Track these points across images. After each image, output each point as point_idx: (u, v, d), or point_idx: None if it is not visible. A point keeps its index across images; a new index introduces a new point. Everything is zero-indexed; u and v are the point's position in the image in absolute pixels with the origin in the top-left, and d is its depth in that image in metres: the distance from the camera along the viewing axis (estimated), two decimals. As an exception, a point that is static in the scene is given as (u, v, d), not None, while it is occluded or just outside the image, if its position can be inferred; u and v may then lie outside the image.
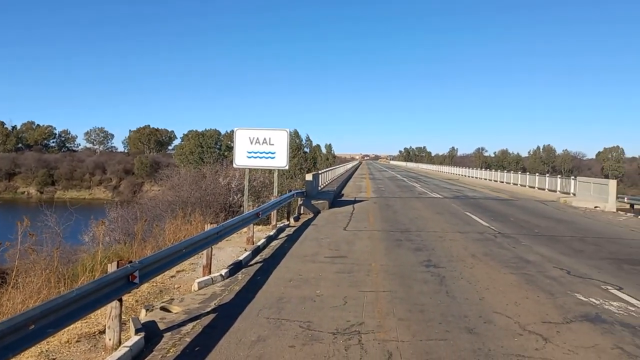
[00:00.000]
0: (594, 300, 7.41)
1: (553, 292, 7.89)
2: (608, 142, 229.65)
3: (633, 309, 7.05)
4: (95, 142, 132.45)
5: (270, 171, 22.81)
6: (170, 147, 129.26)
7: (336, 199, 23.65)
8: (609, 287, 8.22)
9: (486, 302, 7.31)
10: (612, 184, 22.89)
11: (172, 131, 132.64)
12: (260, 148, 17.09)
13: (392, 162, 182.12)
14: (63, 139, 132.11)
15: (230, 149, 23.63)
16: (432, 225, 15.51)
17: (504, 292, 7.88)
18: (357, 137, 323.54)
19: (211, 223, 9.90)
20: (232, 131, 18.32)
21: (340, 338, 5.78)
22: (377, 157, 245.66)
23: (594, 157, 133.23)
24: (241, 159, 17.37)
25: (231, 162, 20.30)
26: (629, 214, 20.76)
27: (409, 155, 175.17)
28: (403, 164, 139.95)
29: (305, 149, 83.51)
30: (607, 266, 9.96)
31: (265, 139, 17.15)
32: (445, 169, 76.92)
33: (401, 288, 8.02)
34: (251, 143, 17.15)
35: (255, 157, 17.16)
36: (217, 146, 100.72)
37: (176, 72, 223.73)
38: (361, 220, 16.76)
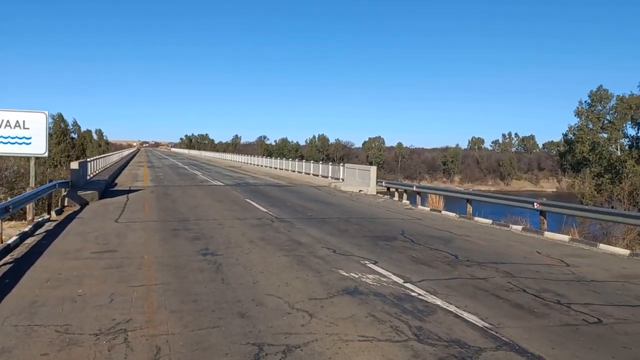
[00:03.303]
0: (354, 275, 8.18)
1: (320, 270, 8.49)
2: (372, 132, 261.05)
3: (385, 279, 7.98)
4: None
5: (27, 159, 19.96)
6: None
7: (108, 189, 21.94)
8: (367, 262, 9.17)
9: (260, 285, 7.49)
10: (373, 170, 25.82)
11: None
12: (11, 132, 14.71)
13: (173, 149, 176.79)
14: None
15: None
16: (212, 213, 15.42)
17: (277, 274, 8.18)
18: (135, 123, 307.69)
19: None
20: (-25, 112, 15.43)
21: (103, 339, 5.28)
22: (157, 145, 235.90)
23: (361, 146, 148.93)
24: (-14, 144, 14.77)
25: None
26: (385, 196, 23.64)
27: (191, 142, 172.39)
28: (185, 151, 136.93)
29: (73, 135, 75.78)
30: (366, 243, 11.13)
31: (18, 122, 14.83)
32: (228, 156, 77.49)
33: (175, 279, 7.74)
34: (-1, 126, 14.68)
35: (5, 143, 14.73)
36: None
37: None
38: (136, 210, 15.79)
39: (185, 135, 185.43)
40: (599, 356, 5.15)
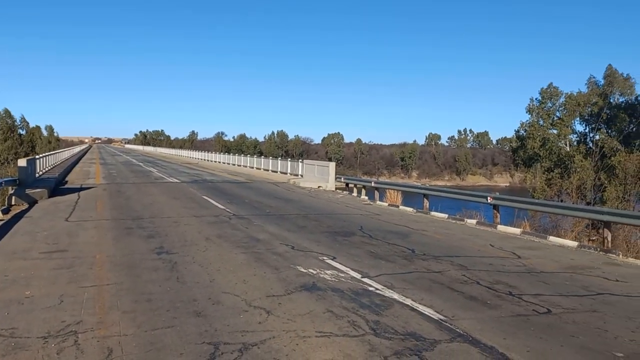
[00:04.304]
0: (312, 271, 8.17)
1: (278, 266, 8.43)
2: (331, 128, 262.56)
3: (343, 275, 8.00)
4: None
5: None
6: None
7: (58, 187, 21.19)
8: (325, 258, 9.17)
9: (216, 283, 7.38)
10: (332, 166, 25.86)
11: None
12: (-49, 127, 14.01)
13: (127, 146, 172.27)
14: None
15: None
16: (168, 211, 15.11)
17: (234, 271, 8.08)
18: (87, 119, 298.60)
19: None
20: None
21: (52, 341, 5.08)
22: (110, 141, 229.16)
23: (320, 142, 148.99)
24: None
25: None
26: (344, 192, 23.74)
27: (146, 138, 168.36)
28: (140, 147, 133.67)
29: (21, 131, 72.95)
30: (325, 239, 11.14)
31: (-41, 116, 14.13)
32: (185, 153, 76.27)
33: (128, 279, 7.53)
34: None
35: (-56, 138, 14.02)
36: None
37: None
38: (87, 209, 15.29)
39: (140, 132, 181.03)
40: (548, 345, 5.31)
